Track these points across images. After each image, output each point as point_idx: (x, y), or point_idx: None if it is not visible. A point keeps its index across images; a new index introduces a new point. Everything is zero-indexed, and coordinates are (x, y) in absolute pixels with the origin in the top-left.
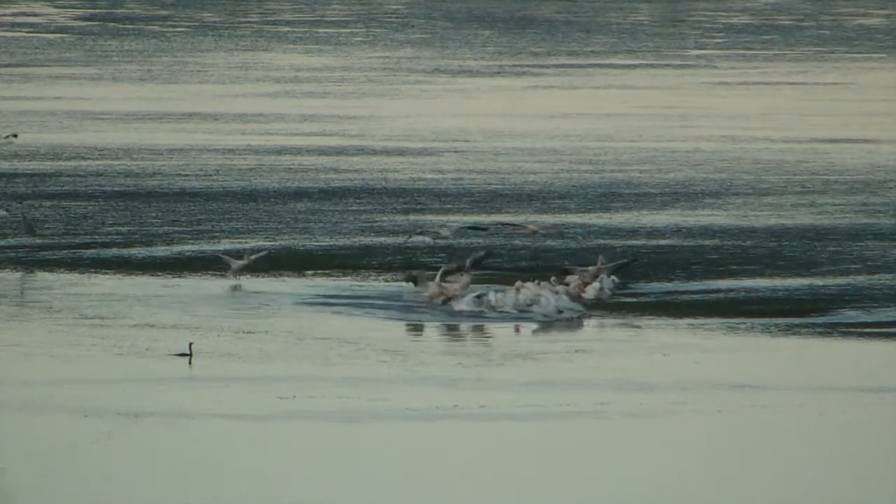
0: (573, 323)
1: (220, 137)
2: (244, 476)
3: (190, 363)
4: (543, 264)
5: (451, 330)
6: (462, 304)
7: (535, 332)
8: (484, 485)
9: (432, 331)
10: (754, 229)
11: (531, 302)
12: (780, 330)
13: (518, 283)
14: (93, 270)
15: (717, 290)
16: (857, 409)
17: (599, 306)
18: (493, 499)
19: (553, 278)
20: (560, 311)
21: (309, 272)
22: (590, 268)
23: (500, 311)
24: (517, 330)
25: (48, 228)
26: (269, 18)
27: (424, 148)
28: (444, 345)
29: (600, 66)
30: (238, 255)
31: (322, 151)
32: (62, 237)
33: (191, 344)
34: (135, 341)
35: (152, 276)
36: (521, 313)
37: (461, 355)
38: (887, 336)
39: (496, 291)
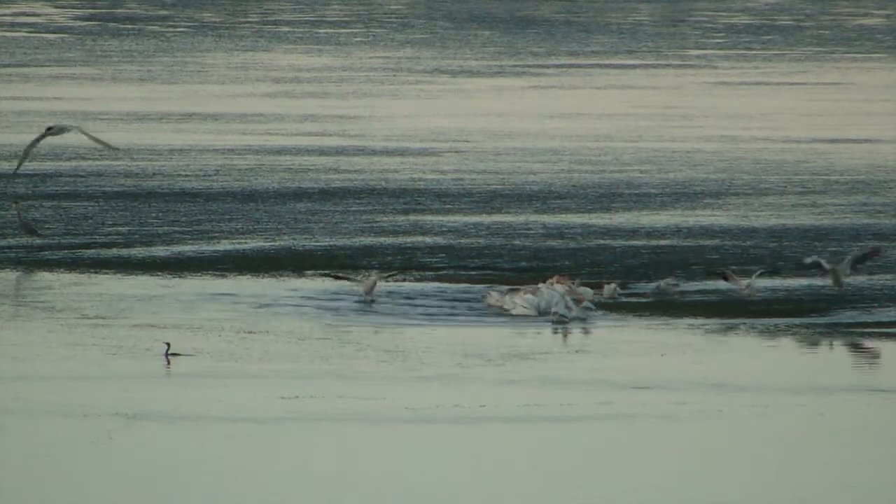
0: (574, 323)
1: (220, 137)
2: (245, 476)
3: (168, 363)
4: (543, 265)
5: (451, 330)
6: (519, 308)
7: (535, 332)
8: (484, 485)
9: (432, 331)
10: (754, 229)
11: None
12: (780, 330)
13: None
14: (93, 270)
15: (718, 290)
16: (857, 409)
17: (600, 307)
18: (493, 499)
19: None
20: (558, 312)
21: (309, 272)
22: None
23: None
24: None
25: (48, 228)
26: (269, 18)
27: (424, 148)
28: (444, 345)
29: (600, 66)
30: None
31: (322, 151)
32: (62, 237)
33: (168, 344)
34: (135, 341)
35: (152, 276)
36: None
37: (461, 355)
38: (887, 336)
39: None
